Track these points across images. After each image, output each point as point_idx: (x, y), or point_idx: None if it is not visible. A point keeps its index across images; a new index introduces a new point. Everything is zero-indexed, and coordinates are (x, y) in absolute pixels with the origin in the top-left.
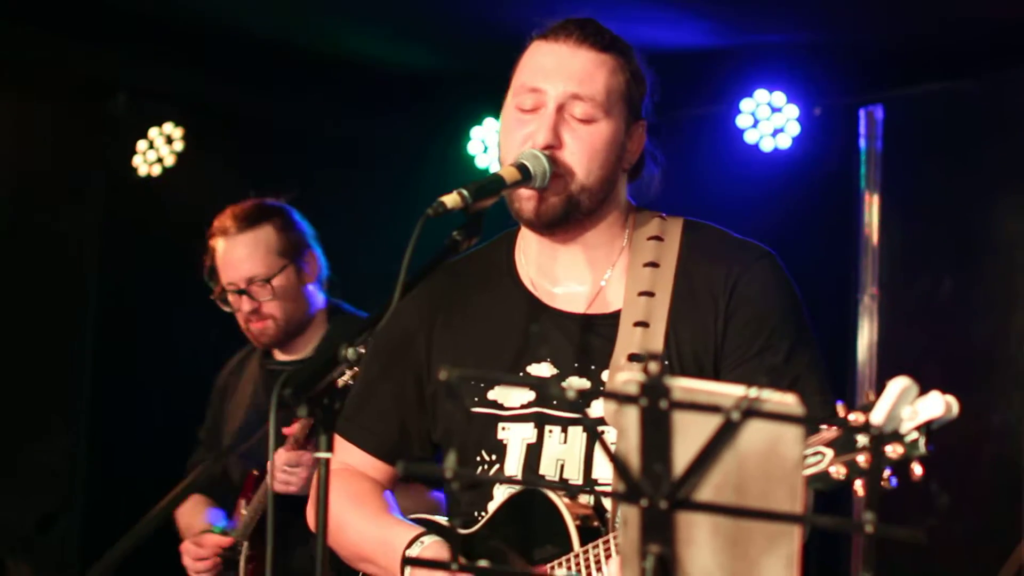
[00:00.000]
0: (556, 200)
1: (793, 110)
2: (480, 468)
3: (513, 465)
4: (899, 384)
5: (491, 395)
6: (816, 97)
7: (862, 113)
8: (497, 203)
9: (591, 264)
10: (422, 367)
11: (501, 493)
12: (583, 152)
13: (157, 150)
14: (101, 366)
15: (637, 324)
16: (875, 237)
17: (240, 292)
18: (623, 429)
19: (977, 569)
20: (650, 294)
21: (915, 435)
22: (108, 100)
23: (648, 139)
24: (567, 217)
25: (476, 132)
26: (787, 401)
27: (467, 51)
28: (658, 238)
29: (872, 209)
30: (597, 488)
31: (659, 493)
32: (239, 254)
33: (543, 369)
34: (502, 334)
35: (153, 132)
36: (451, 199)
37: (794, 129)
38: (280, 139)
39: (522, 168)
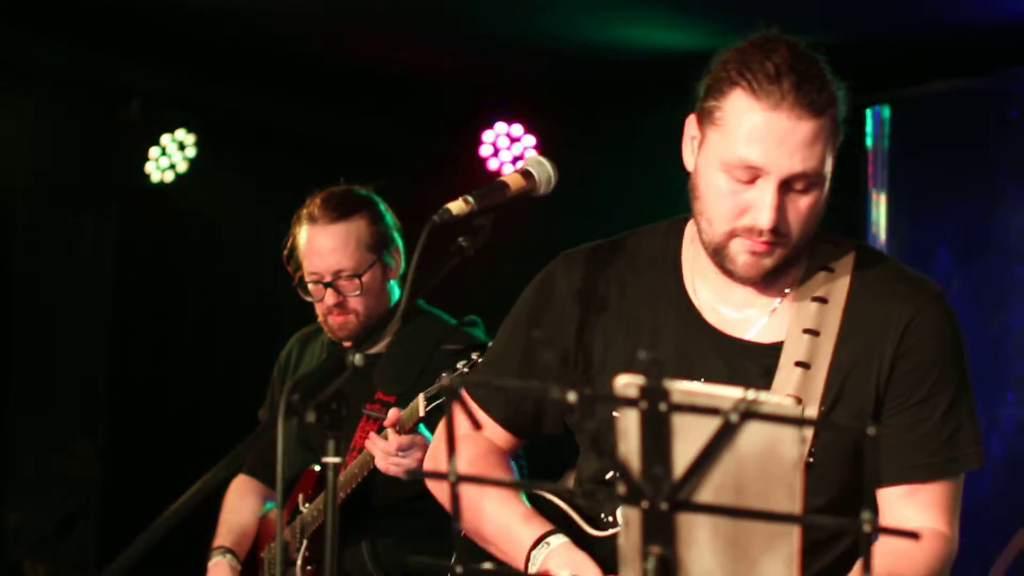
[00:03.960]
0: (771, 263)
1: None
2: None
3: None
4: None
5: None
6: None
7: (869, 113)
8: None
9: (762, 291)
10: (570, 348)
11: None
12: (802, 222)
13: (170, 156)
14: (118, 372)
15: (798, 364)
16: (883, 235)
17: (326, 284)
18: (623, 431)
19: (985, 562)
20: (815, 333)
21: None
22: (121, 107)
23: None
24: (780, 271)
25: (487, 136)
26: (784, 403)
27: (479, 57)
28: (829, 269)
29: (879, 208)
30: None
31: (660, 495)
32: (328, 245)
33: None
34: (658, 340)
35: (165, 139)
36: (456, 206)
37: None
38: (292, 145)
39: (527, 175)
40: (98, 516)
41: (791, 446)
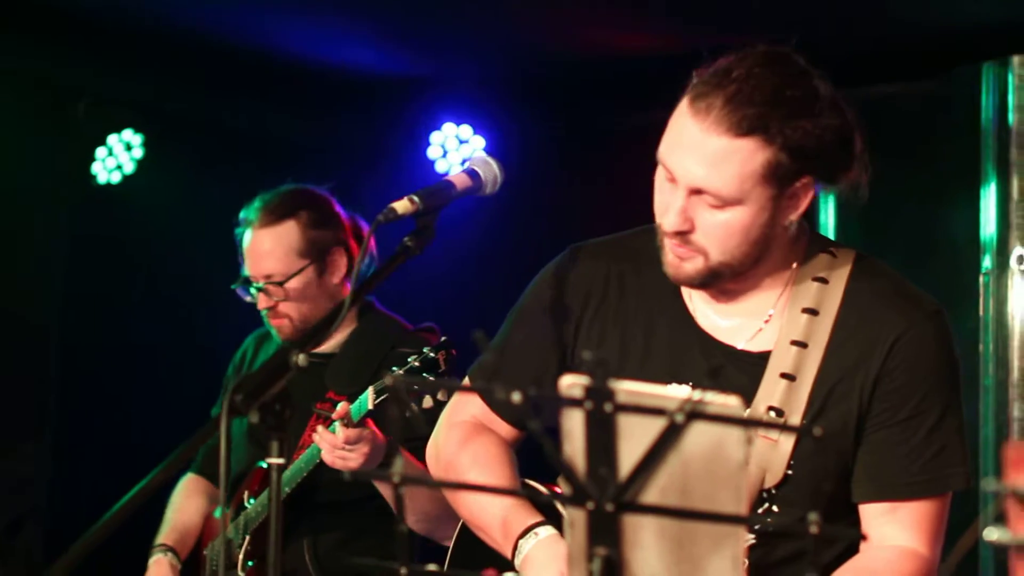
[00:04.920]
0: (692, 271)
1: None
2: None
3: None
4: None
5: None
6: None
7: None
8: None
9: (752, 301)
10: (568, 347)
11: None
12: (716, 238)
13: (116, 157)
14: (66, 374)
15: (783, 376)
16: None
17: (257, 288)
18: (568, 432)
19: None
20: (803, 345)
21: None
22: (67, 107)
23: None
24: (708, 284)
25: (435, 137)
26: (730, 403)
27: (427, 56)
28: (823, 280)
29: (827, 210)
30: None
31: (605, 496)
32: (260, 249)
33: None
34: (651, 341)
35: (112, 139)
36: (401, 205)
37: None
38: (240, 145)
39: (473, 174)
40: (45, 518)
41: (737, 447)
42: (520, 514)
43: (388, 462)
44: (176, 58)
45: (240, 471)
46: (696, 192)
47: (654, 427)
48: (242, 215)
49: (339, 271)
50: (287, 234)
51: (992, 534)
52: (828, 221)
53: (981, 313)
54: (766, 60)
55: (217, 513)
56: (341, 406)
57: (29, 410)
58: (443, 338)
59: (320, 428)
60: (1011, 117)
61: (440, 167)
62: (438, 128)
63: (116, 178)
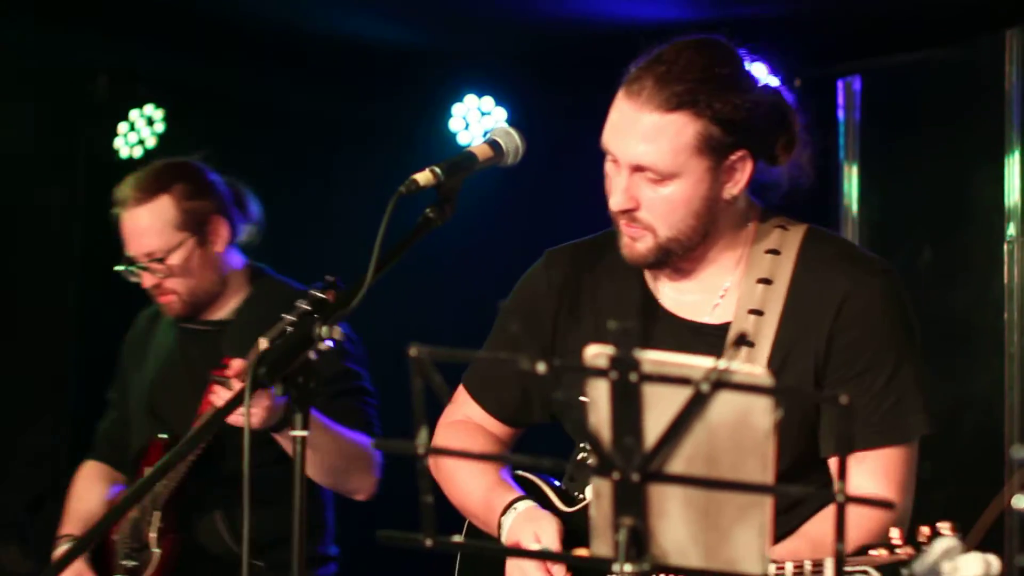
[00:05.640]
0: (644, 249)
1: (773, 82)
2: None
3: None
4: (945, 543)
5: None
6: (794, 69)
7: (840, 84)
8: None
9: (708, 276)
10: (547, 342)
11: None
12: (660, 213)
13: (138, 132)
14: (85, 350)
15: (743, 342)
16: (854, 208)
17: (140, 267)
18: (594, 402)
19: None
20: (759, 312)
21: None
22: (88, 82)
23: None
24: (663, 262)
25: (457, 109)
26: (756, 372)
27: (448, 28)
28: (775, 251)
29: (851, 180)
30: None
31: (631, 466)
32: (137, 227)
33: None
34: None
35: (134, 114)
36: (423, 177)
37: None
38: (262, 119)
39: (494, 145)
40: (65, 496)
41: (763, 416)
42: (500, 494)
43: (288, 417)
44: (197, 32)
45: (140, 446)
46: (637, 169)
47: (679, 397)
48: (115, 195)
49: (221, 240)
50: (163, 209)
51: (1020, 502)
52: (852, 191)
53: (1005, 281)
54: (697, 44)
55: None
56: (236, 362)
57: (48, 385)
58: (329, 278)
59: (217, 388)
60: None
61: (462, 139)
62: (460, 100)
63: (138, 153)
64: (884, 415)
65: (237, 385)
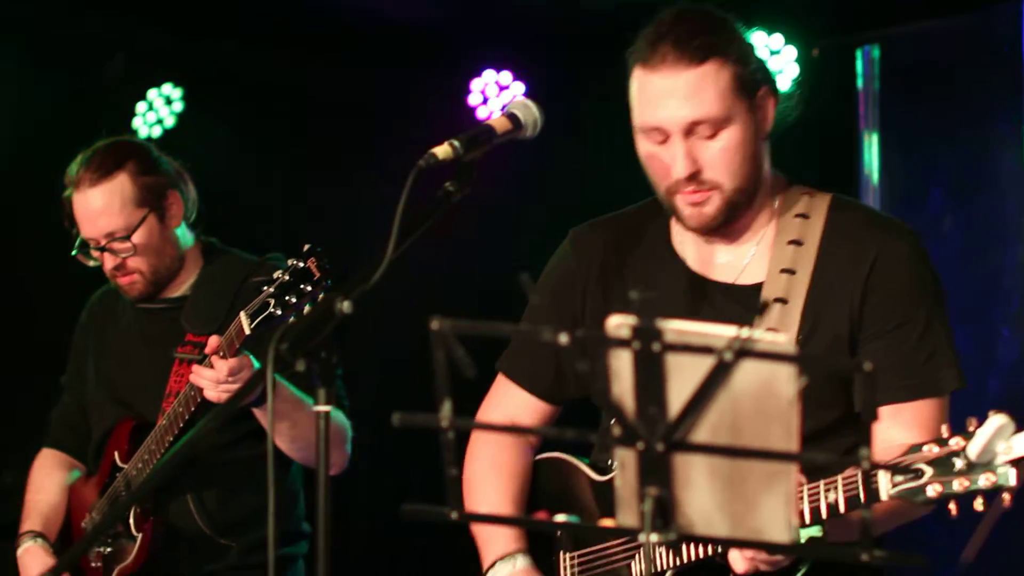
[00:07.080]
0: (713, 210)
1: (791, 51)
2: None
3: None
4: (997, 421)
5: None
6: (813, 38)
7: (859, 53)
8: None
9: (740, 238)
10: (578, 316)
11: None
12: (723, 165)
13: (157, 111)
14: None
15: (776, 300)
16: (875, 176)
17: (101, 249)
18: (617, 372)
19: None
20: (791, 272)
21: (1006, 468)
22: (106, 62)
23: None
24: (729, 220)
25: (476, 84)
26: (779, 340)
27: (467, 2)
28: (804, 215)
29: (871, 148)
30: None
31: (655, 436)
32: (94, 208)
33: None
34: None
35: (152, 93)
36: (442, 150)
37: (793, 71)
38: (279, 96)
39: (512, 118)
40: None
41: (787, 384)
42: (506, 539)
43: (263, 391)
44: (215, 11)
45: (103, 430)
46: (690, 131)
47: (703, 366)
48: (67, 178)
49: (177, 215)
50: (120, 187)
51: None
52: (872, 160)
53: None
54: (684, 10)
55: (76, 475)
56: (213, 339)
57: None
58: (306, 246)
59: (197, 367)
60: None
61: (481, 114)
62: (478, 75)
63: (157, 132)
64: (918, 368)
65: (217, 362)
